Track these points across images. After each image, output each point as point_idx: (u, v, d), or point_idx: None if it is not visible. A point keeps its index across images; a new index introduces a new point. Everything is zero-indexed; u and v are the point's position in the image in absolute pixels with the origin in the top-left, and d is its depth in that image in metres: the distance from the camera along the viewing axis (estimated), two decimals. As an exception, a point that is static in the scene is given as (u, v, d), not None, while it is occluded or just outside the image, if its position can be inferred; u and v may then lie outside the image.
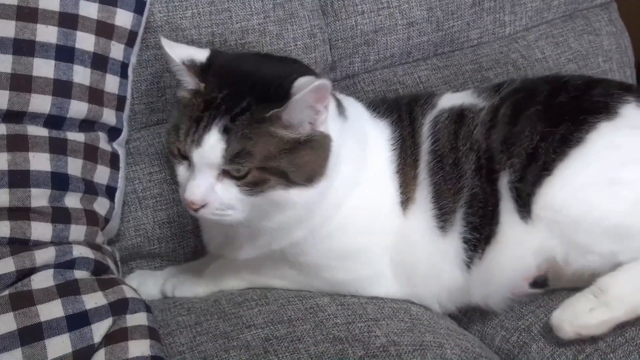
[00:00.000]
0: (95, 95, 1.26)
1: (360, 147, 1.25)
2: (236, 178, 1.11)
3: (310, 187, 1.14)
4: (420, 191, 1.26)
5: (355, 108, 1.30)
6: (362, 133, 1.27)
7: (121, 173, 1.32)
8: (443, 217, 1.24)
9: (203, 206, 1.12)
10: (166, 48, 1.17)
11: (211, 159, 1.10)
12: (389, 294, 1.28)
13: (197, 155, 1.11)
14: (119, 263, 1.30)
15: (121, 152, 1.32)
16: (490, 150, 1.22)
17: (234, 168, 1.10)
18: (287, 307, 1.22)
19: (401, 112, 1.32)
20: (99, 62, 1.27)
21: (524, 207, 1.19)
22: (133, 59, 1.34)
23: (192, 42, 1.40)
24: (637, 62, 1.86)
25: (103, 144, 1.28)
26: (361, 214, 1.24)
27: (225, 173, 1.12)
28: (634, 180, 1.15)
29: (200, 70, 1.16)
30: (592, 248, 1.16)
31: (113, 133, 1.31)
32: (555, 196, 1.17)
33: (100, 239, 1.26)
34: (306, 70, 1.21)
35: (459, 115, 1.28)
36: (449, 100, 1.32)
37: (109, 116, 1.29)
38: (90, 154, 1.26)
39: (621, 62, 1.73)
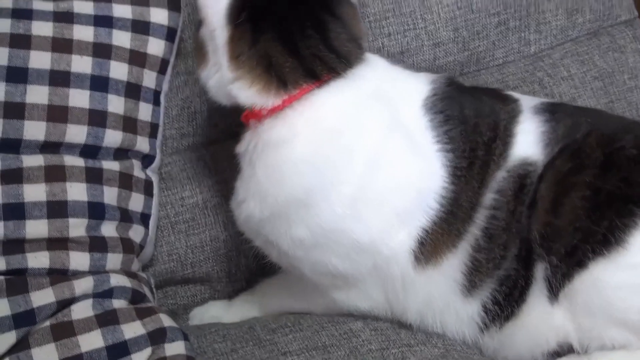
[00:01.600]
0: (129, 124, 1.28)
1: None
2: None
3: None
4: (451, 259, 1.18)
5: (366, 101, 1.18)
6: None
7: (155, 199, 1.33)
8: (469, 284, 1.18)
9: None
10: None
11: None
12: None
13: None
14: (154, 289, 1.32)
15: (154, 179, 1.34)
16: (530, 240, 1.15)
17: None
18: (321, 333, 1.23)
19: (476, 144, 1.19)
20: (133, 90, 1.29)
21: (554, 294, 1.15)
22: (165, 86, 1.36)
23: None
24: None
25: (137, 171, 1.30)
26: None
27: None
28: None
29: None
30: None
31: (146, 160, 1.33)
32: (587, 292, 1.12)
33: (135, 266, 1.27)
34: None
35: (521, 186, 1.17)
36: (524, 146, 1.19)
37: (142, 144, 1.31)
38: (125, 182, 1.27)
39: (646, 79, 1.73)
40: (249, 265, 1.44)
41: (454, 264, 1.18)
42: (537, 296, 1.16)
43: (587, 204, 1.13)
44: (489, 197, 1.17)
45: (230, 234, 1.43)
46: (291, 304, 1.33)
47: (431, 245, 1.17)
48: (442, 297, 1.20)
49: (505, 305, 1.18)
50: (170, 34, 1.33)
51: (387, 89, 1.21)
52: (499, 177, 1.18)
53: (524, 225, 1.16)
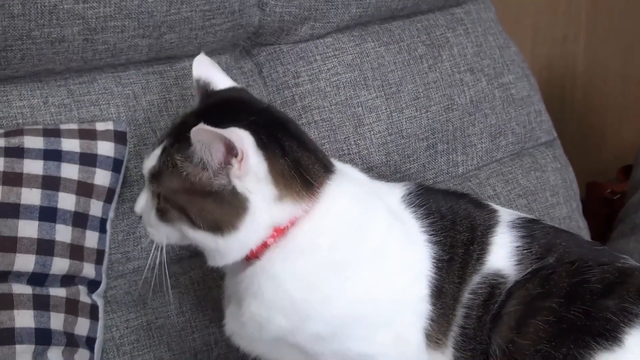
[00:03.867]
0: (76, 252, 1.34)
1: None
2: (157, 201, 1.17)
3: (219, 236, 1.14)
4: (447, 351, 1.21)
5: (359, 200, 1.23)
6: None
7: (100, 323, 1.38)
8: None
9: (141, 217, 1.21)
10: (195, 62, 1.26)
11: (145, 173, 1.19)
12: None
13: (144, 165, 1.20)
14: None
15: (100, 303, 1.39)
16: (489, 353, 1.19)
17: (151, 189, 1.18)
18: None
19: (456, 242, 1.24)
20: (80, 219, 1.35)
21: None
22: (111, 214, 1.43)
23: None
24: (584, 189, 1.99)
25: (83, 296, 1.35)
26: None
27: (154, 194, 1.18)
28: None
29: (205, 96, 1.24)
30: None
31: (92, 285, 1.38)
32: None
33: (81, 389, 1.31)
34: (274, 123, 1.20)
35: (490, 295, 1.21)
36: (497, 257, 1.24)
37: (88, 270, 1.36)
38: (71, 307, 1.32)
39: (567, 195, 1.84)
40: (193, 385, 1.49)
41: (448, 355, 1.22)
42: None
43: (550, 329, 1.17)
44: (466, 295, 1.22)
45: (175, 353, 1.47)
46: None
47: (435, 329, 1.21)
48: None
49: None
50: (116, 165, 1.41)
51: (369, 188, 1.28)
52: (475, 280, 1.23)
53: (484, 336, 1.20)
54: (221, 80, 1.27)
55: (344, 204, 1.21)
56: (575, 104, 2.61)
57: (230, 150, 1.10)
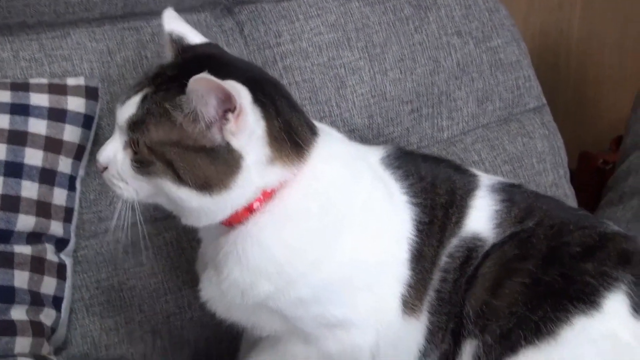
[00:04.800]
0: (42, 209, 1.31)
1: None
2: (134, 152, 1.11)
3: (207, 195, 1.09)
4: (422, 316, 1.20)
5: (343, 163, 1.20)
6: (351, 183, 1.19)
7: (68, 283, 1.35)
8: (423, 353, 1.21)
9: (105, 169, 1.14)
10: (165, 16, 1.20)
11: (120, 121, 1.12)
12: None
13: (117, 114, 1.13)
14: (65, 373, 1.33)
15: (68, 262, 1.36)
16: (462, 316, 1.18)
17: (131, 137, 1.10)
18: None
19: (435, 204, 1.23)
20: (47, 176, 1.32)
21: None
22: (81, 172, 1.39)
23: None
24: (577, 159, 1.95)
25: (50, 255, 1.32)
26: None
27: (129, 145, 1.11)
28: None
29: (181, 50, 1.18)
30: None
31: (60, 244, 1.35)
32: None
33: (46, 349, 1.28)
34: (266, 82, 1.16)
35: (467, 259, 1.21)
36: (476, 221, 1.23)
37: (56, 228, 1.33)
38: (37, 265, 1.29)
39: (554, 162, 1.80)
40: (165, 346, 1.46)
41: (422, 322, 1.20)
42: None
43: (526, 291, 1.16)
44: (443, 259, 1.21)
45: (146, 315, 1.45)
46: None
47: (412, 295, 1.20)
48: (404, 353, 1.21)
49: None
50: (87, 122, 1.38)
51: (352, 150, 1.26)
52: (453, 243, 1.22)
53: (459, 299, 1.19)
54: (194, 36, 1.23)
55: (331, 168, 1.18)
56: (570, 72, 2.56)
57: (227, 105, 1.06)
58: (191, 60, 1.16)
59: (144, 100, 1.11)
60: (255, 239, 1.13)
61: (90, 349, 1.40)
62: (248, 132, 1.08)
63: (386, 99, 1.68)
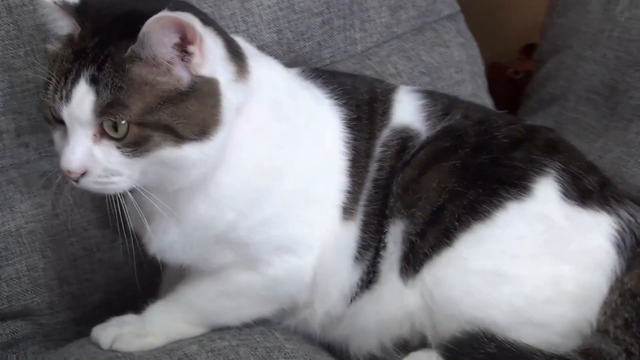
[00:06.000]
0: None
1: (285, 113, 1.17)
2: (116, 139, 0.99)
3: (207, 140, 1.03)
4: (358, 215, 1.20)
5: (274, 67, 1.22)
6: (289, 97, 1.19)
7: (-42, 231, 1.21)
8: (360, 249, 1.20)
9: (84, 174, 1.01)
10: None
11: (81, 115, 0.99)
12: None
13: (67, 112, 0.99)
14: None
15: (-44, 208, 1.22)
16: (391, 197, 1.19)
17: (108, 124, 0.99)
18: (154, 364, 1.14)
19: (360, 102, 1.25)
20: None
21: (414, 264, 1.16)
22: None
23: (27, 82, 1.31)
24: (487, 70, 1.89)
25: None
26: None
27: (103, 134, 1.00)
28: (519, 275, 1.14)
29: (75, 11, 1.04)
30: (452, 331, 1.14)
31: (-55, 188, 1.21)
32: (447, 272, 1.15)
33: (-62, 306, 1.15)
34: (187, 9, 1.06)
35: (403, 147, 1.22)
36: (403, 113, 1.25)
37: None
38: None
39: (472, 71, 1.74)
40: (74, 293, 1.34)
41: (358, 220, 1.20)
42: (389, 267, 1.18)
43: (457, 172, 1.18)
44: (377, 149, 1.21)
45: (50, 261, 1.32)
46: (217, 296, 1.22)
47: (351, 200, 1.19)
48: (343, 256, 1.20)
49: (367, 272, 1.20)
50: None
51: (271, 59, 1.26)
52: (385, 134, 1.23)
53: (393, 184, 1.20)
54: None
55: (273, 78, 1.18)
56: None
57: (176, 39, 1.00)
58: (100, 19, 1.04)
59: (94, 81, 0.99)
60: (226, 163, 1.09)
61: (-9, 302, 1.27)
62: (212, 55, 1.03)
63: (295, 11, 1.56)
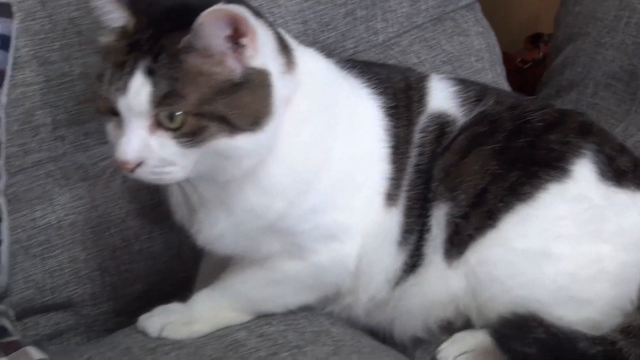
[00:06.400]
0: (-33, 143, 1.16)
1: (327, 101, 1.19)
2: (172, 129, 1.00)
3: (260, 131, 1.04)
4: (401, 200, 1.21)
5: (318, 59, 1.23)
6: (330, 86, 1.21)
7: (5, 224, 1.21)
8: (404, 234, 1.21)
9: (139, 165, 1.01)
10: None
11: (138, 106, 0.99)
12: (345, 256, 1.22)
13: (123, 104, 0.99)
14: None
15: (2, 202, 1.22)
16: (433, 182, 1.20)
17: (165, 115, 0.99)
18: (206, 348, 1.15)
19: (396, 90, 1.26)
20: (-32, 106, 1.17)
21: (458, 246, 1.18)
22: (3, 99, 1.24)
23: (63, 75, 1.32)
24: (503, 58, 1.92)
25: (-19, 194, 1.19)
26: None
27: (159, 124, 1.00)
28: (563, 254, 1.17)
29: (130, 3, 1.04)
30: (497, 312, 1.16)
31: (-10, 181, 1.21)
32: (491, 252, 1.18)
33: (-11, 298, 1.16)
34: (239, 1, 1.06)
35: (441, 132, 1.24)
36: (438, 99, 1.26)
37: (-16, 164, 1.19)
38: (-31, 207, 1.16)
39: (491, 60, 1.76)
40: (115, 283, 1.35)
41: (401, 205, 1.21)
42: (434, 248, 1.20)
43: (496, 155, 1.20)
44: (416, 135, 1.22)
45: (91, 252, 1.33)
46: (264, 284, 1.23)
47: (393, 183, 1.21)
48: (387, 241, 1.21)
49: (413, 256, 1.21)
50: (3, 42, 1.22)
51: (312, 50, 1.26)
52: (422, 120, 1.24)
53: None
54: None
55: (316, 68, 1.19)
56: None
57: (227, 31, 1.00)
58: (154, 11, 1.04)
59: (150, 73, 0.99)
60: (275, 154, 1.10)
61: (35, 294, 1.29)
62: (263, 48, 1.04)
63: (320, 2, 1.58)
